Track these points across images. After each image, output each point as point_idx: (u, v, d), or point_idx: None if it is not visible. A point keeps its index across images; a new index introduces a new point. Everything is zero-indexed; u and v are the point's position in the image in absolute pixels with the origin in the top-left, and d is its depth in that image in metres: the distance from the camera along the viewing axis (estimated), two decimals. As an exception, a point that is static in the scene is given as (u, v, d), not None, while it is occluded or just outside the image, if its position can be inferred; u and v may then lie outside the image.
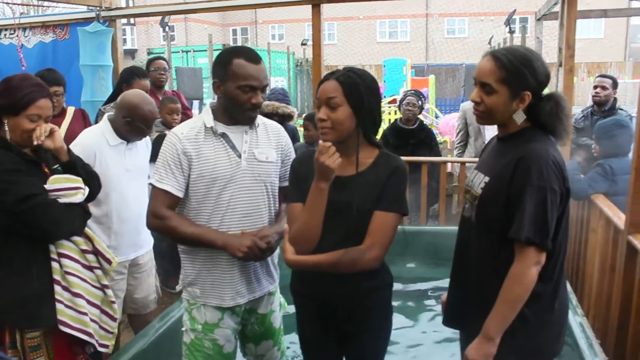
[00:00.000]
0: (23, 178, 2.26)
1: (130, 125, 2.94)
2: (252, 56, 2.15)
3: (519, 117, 1.86)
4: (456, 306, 2.09)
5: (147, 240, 3.23)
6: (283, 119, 4.82)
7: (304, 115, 5.19)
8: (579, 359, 2.64)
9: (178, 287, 2.39)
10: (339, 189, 1.94)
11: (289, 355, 3.03)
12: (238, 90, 2.13)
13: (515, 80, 1.82)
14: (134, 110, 2.92)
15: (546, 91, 1.90)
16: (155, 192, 2.21)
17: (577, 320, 2.95)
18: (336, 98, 1.91)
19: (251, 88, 2.14)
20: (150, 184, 2.24)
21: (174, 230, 2.19)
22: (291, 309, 2.35)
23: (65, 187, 2.34)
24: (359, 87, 1.92)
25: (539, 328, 1.88)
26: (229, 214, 2.21)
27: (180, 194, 2.20)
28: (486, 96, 1.86)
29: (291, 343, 3.05)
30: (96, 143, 2.92)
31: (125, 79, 4.19)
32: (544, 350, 1.94)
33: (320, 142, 1.90)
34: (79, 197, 2.38)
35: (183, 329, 2.37)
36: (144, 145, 3.21)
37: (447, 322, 2.15)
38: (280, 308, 2.56)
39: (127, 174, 3.00)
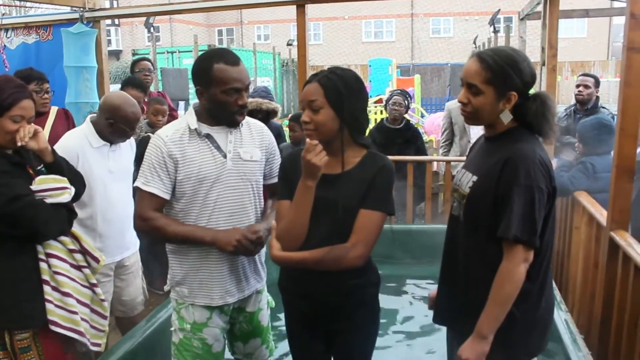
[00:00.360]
0: (10, 180, 2.25)
1: (113, 127, 2.92)
2: (231, 58, 2.16)
3: (506, 117, 1.88)
4: (445, 304, 2.11)
5: (132, 241, 3.22)
6: (268, 115, 4.82)
7: (289, 115, 5.18)
8: (563, 354, 2.68)
9: (166, 288, 2.38)
10: (326, 187, 1.97)
11: (277, 353, 3.03)
12: (223, 95, 2.14)
13: (501, 80, 1.84)
14: (116, 111, 2.90)
15: (532, 91, 1.93)
16: (142, 195, 2.20)
17: (561, 316, 2.99)
18: (317, 101, 1.94)
19: (236, 90, 2.15)
20: (136, 186, 2.23)
21: (161, 231, 2.19)
22: (279, 307, 2.37)
23: (51, 188, 2.34)
24: (339, 89, 1.94)
25: (526, 325, 1.91)
26: (215, 214, 2.22)
27: (167, 196, 2.21)
28: (473, 97, 1.89)
29: (279, 341, 3.06)
30: (79, 145, 2.91)
31: (121, 87, 4.22)
32: (530, 347, 1.97)
33: (307, 140, 1.92)
34: (65, 197, 2.37)
35: (172, 328, 2.37)
36: (128, 146, 3.19)
37: (436, 319, 2.17)
38: (268, 306, 2.57)
39: (111, 175, 2.99)
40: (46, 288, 2.33)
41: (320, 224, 1.97)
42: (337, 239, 1.95)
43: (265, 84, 18.52)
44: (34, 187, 2.30)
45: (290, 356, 2.32)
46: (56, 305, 2.34)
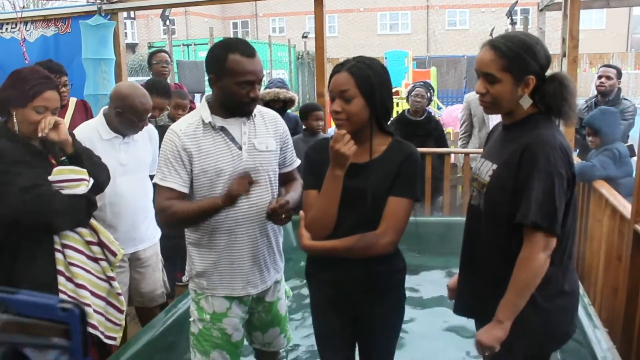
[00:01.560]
0: (26, 169, 2.27)
1: (121, 117, 2.88)
2: (247, 50, 2.13)
3: (526, 102, 1.86)
4: (467, 295, 2.09)
5: (149, 234, 3.19)
6: (285, 104, 4.82)
7: (301, 106, 5.15)
8: (587, 347, 2.65)
9: (184, 279, 2.38)
10: (354, 176, 1.97)
11: (293, 342, 3.04)
12: (236, 86, 2.12)
13: (516, 66, 1.82)
14: (124, 100, 2.86)
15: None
16: (160, 190, 2.20)
17: (584, 309, 2.96)
18: (349, 90, 1.92)
19: (249, 83, 2.13)
20: (154, 183, 2.22)
21: (177, 214, 2.17)
22: (295, 295, 2.36)
23: (68, 179, 2.35)
24: (370, 78, 1.93)
25: (549, 311, 1.89)
26: (234, 206, 2.21)
27: (185, 190, 2.20)
28: (490, 86, 1.87)
29: (295, 330, 3.06)
30: (87, 137, 2.86)
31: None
32: (556, 333, 1.95)
33: (335, 130, 1.93)
34: (82, 188, 2.38)
35: (191, 319, 2.38)
36: (147, 139, 3.16)
37: (458, 311, 2.16)
38: (286, 295, 2.58)
39: (121, 168, 2.95)
40: (60, 279, 2.35)
41: (349, 213, 1.97)
42: (366, 227, 1.96)
43: (280, 77, 18.53)
44: (51, 177, 2.31)
45: (305, 345, 2.32)
46: (69, 297, 2.35)
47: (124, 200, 2.99)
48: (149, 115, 3.05)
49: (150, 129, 3.20)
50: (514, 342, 1.87)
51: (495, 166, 1.92)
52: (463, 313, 2.15)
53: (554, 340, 1.96)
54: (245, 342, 2.51)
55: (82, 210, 2.42)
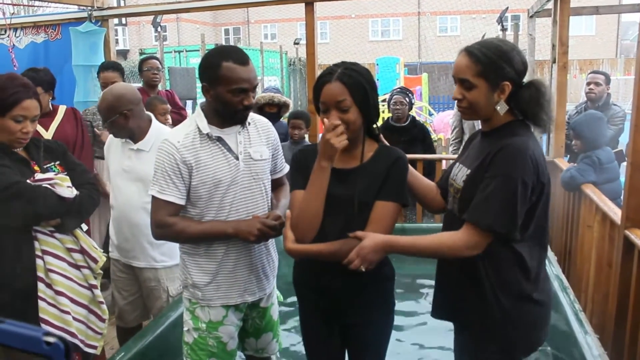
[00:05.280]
0: (7, 170, 2.24)
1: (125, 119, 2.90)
2: (241, 58, 2.11)
3: (502, 108, 1.86)
4: (443, 298, 2.09)
5: (147, 255, 3.03)
6: (280, 108, 4.82)
7: (288, 113, 5.14)
8: (578, 353, 2.65)
9: (178, 288, 2.37)
10: (342, 182, 1.96)
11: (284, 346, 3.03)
12: (230, 95, 2.10)
13: (492, 72, 1.82)
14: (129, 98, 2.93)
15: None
16: (158, 204, 2.17)
17: (574, 316, 2.96)
18: (346, 101, 1.91)
19: (243, 90, 2.11)
20: (151, 195, 2.19)
21: (184, 233, 2.17)
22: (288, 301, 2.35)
23: (53, 178, 2.33)
24: (364, 86, 1.93)
25: (520, 321, 1.89)
26: (232, 216, 2.21)
27: (183, 202, 2.18)
28: (466, 92, 1.87)
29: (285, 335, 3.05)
30: (111, 137, 3.04)
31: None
32: (528, 342, 1.95)
33: (328, 121, 1.91)
34: (67, 191, 2.35)
35: (185, 329, 2.35)
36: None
37: (435, 314, 2.15)
38: (277, 300, 2.58)
39: (125, 174, 2.93)
40: (40, 285, 2.31)
41: (337, 219, 1.95)
42: (353, 232, 1.92)
43: (272, 83, 18.52)
44: (38, 176, 2.30)
45: (296, 347, 2.31)
46: (49, 303, 2.32)
47: (121, 209, 2.96)
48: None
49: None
50: (483, 347, 1.88)
51: (469, 171, 1.92)
52: (439, 316, 2.14)
53: (523, 347, 1.95)
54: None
55: (60, 208, 2.35)
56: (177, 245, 2.40)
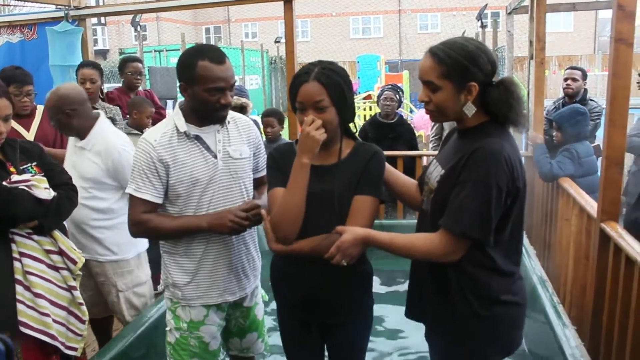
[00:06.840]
0: None
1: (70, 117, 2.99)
2: (217, 56, 2.10)
3: (470, 110, 1.81)
4: (415, 299, 2.07)
5: (91, 249, 3.04)
6: (240, 111, 4.80)
7: (263, 111, 5.14)
8: (556, 345, 2.68)
9: (159, 287, 2.35)
10: (321, 179, 1.97)
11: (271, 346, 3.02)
12: (206, 93, 2.10)
13: (456, 73, 1.77)
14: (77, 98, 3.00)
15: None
16: (134, 202, 2.17)
17: (553, 308, 3.00)
18: (323, 101, 1.91)
19: (219, 89, 2.11)
20: (128, 193, 2.19)
21: (158, 230, 2.17)
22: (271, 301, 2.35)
23: (30, 179, 2.30)
24: (341, 86, 1.94)
25: (494, 324, 1.87)
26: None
27: (160, 201, 2.18)
28: (432, 94, 1.82)
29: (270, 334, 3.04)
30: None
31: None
32: (504, 345, 1.92)
33: (305, 117, 1.91)
34: (45, 192, 2.33)
35: (167, 328, 2.35)
36: (102, 152, 2.95)
37: (408, 314, 2.14)
38: (262, 300, 2.58)
39: (73, 171, 2.85)
40: (18, 288, 2.28)
41: (317, 215, 1.95)
42: (334, 229, 1.92)
43: (253, 82, 18.50)
44: (14, 177, 2.27)
45: (282, 347, 2.30)
46: (27, 306, 2.29)
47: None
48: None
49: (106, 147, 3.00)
50: (453, 349, 1.87)
51: (443, 172, 1.87)
52: (412, 316, 2.13)
53: (494, 350, 1.91)
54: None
55: (39, 209, 2.31)
56: (127, 240, 2.38)
